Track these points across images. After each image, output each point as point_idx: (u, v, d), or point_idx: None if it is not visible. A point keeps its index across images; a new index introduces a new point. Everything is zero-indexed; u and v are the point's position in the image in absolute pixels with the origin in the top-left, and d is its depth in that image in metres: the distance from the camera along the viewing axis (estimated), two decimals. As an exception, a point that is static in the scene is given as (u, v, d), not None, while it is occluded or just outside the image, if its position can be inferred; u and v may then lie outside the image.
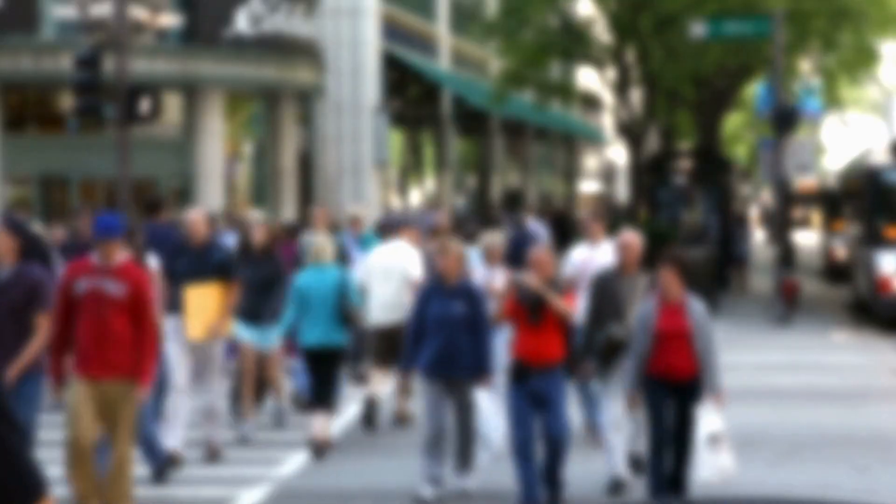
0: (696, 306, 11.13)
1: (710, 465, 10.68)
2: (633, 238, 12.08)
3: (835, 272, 35.19)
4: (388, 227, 15.87)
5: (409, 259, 14.95)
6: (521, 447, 11.22)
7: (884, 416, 15.78)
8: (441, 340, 11.75)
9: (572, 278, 13.35)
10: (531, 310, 11.35)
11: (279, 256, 14.60)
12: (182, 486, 12.08)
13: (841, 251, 34.31)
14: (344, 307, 13.42)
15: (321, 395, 13.40)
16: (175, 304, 12.97)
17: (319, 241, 13.82)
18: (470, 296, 11.89)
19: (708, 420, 10.77)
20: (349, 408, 15.89)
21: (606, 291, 11.87)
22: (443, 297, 11.86)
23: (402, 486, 12.12)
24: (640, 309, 11.25)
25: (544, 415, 11.27)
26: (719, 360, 11.13)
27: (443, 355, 11.75)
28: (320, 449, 13.21)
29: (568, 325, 11.54)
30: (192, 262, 13.13)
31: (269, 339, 14.33)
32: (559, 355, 11.45)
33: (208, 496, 11.91)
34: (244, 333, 14.34)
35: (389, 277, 14.82)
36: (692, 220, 31.88)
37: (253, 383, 14.42)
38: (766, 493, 11.17)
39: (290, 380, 16.17)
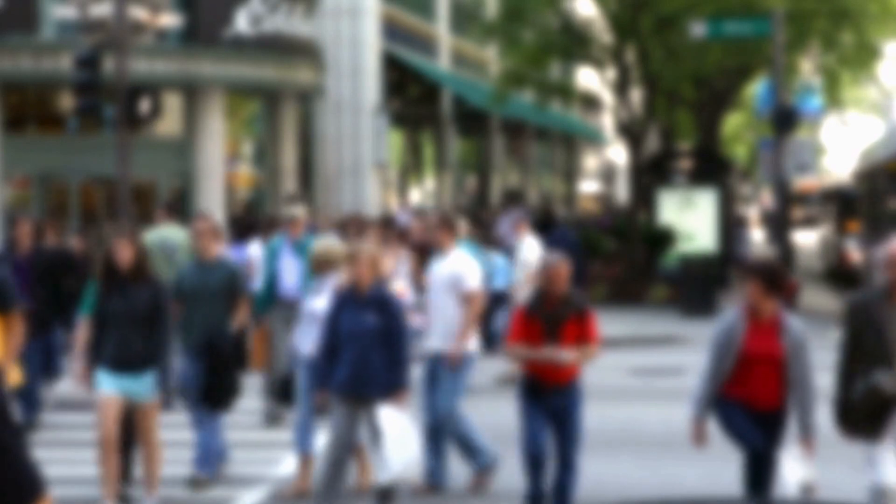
0: (794, 326, 9.71)
1: None
2: None
3: (845, 275, 33.98)
4: (346, 226, 16.08)
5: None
6: (532, 461, 10.63)
7: (884, 416, 15.76)
8: (352, 356, 10.74)
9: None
10: (546, 332, 10.51)
11: (156, 279, 11.25)
12: (182, 487, 12.08)
13: (856, 253, 32.82)
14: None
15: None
16: None
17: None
18: (383, 305, 10.82)
19: (795, 468, 9.46)
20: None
21: (868, 324, 9.27)
22: (354, 308, 10.82)
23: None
24: (724, 321, 9.94)
25: (559, 434, 10.68)
26: (815, 395, 9.68)
27: (354, 372, 10.75)
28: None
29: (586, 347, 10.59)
30: None
31: (144, 387, 10.88)
32: (575, 372, 10.74)
33: (208, 496, 11.91)
34: (108, 385, 10.84)
35: None
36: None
37: (115, 456, 10.84)
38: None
39: None
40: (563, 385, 10.67)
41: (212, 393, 12.01)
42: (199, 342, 12.07)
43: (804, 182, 53.07)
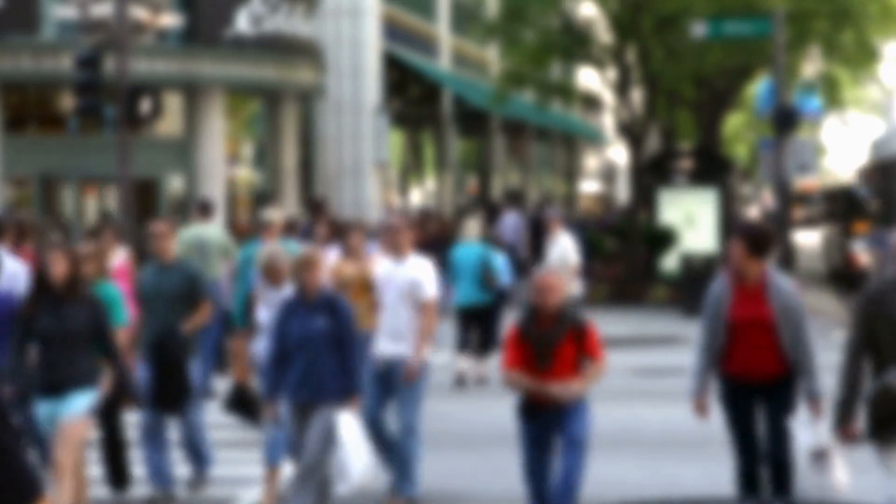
0: (782, 287, 9.24)
1: (820, 487, 8.93)
2: None
3: (851, 278, 32.50)
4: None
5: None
6: (536, 497, 9.92)
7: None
8: (303, 362, 10.38)
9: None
10: (538, 354, 9.75)
11: (92, 296, 10.45)
12: (182, 487, 12.08)
13: (864, 255, 31.42)
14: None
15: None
16: None
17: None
18: (333, 309, 10.45)
19: (805, 434, 9.05)
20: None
21: (883, 317, 8.27)
22: (303, 313, 10.46)
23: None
24: (712, 289, 9.44)
25: (560, 444, 9.87)
26: (816, 356, 9.33)
27: (305, 379, 10.39)
28: None
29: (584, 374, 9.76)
30: None
31: (72, 408, 10.07)
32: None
33: (208, 496, 11.91)
34: (41, 415, 10.21)
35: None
36: None
37: (69, 482, 10.00)
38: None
39: None
40: (563, 408, 9.86)
41: (160, 396, 11.63)
42: (150, 344, 11.75)
43: (804, 182, 53.01)
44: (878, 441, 8.29)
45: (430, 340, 11.74)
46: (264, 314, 11.54)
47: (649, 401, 16.93)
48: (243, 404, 11.96)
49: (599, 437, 13.90)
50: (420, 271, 11.68)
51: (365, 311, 12.56)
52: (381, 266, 12.00)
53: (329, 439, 10.26)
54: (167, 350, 11.72)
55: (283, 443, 11.06)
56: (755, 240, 9.23)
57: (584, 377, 9.73)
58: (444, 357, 21.17)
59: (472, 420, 15.67)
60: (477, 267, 18.11)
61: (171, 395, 11.62)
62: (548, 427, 9.82)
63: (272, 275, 11.43)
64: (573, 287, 19.27)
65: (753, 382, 9.38)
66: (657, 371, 19.63)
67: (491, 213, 32.05)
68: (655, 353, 21.72)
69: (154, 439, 11.72)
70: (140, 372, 11.76)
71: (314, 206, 24.71)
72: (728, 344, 9.35)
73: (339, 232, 14.47)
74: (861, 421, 8.43)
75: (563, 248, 20.10)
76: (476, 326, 18.66)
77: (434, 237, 25.47)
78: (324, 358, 10.38)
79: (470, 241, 18.42)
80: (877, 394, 8.23)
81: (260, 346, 11.56)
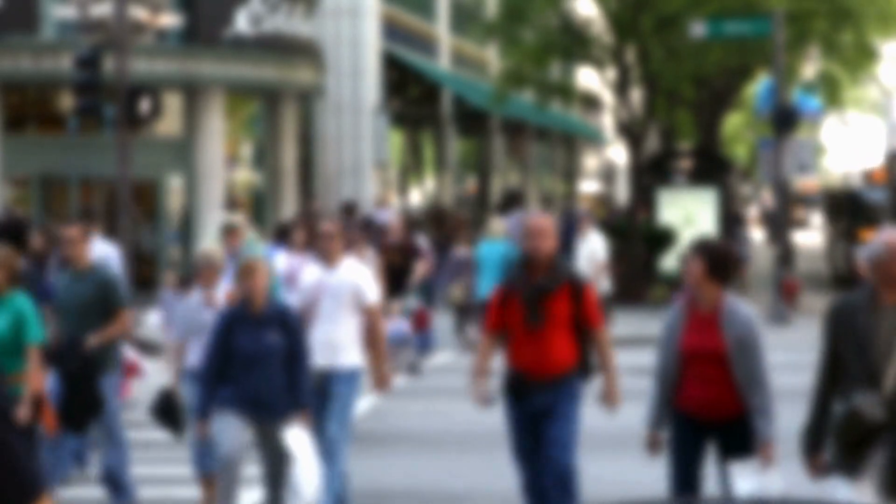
0: (738, 315, 8.24)
1: None
2: None
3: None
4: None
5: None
6: (530, 488, 9.26)
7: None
8: (252, 380, 9.78)
9: (303, 308, 10.85)
10: (529, 309, 8.94)
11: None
12: (181, 486, 12.08)
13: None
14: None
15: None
16: None
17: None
18: (284, 323, 9.88)
19: (745, 483, 8.12)
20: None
21: (850, 334, 7.40)
22: (251, 326, 9.83)
23: (401, 486, 12.11)
24: (668, 314, 8.65)
25: (546, 437, 9.06)
26: (771, 390, 8.34)
27: (254, 397, 9.81)
28: None
29: (586, 326, 9.09)
30: None
31: None
32: (570, 363, 9.15)
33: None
34: None
35: None
36: None
37: None
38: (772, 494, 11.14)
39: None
40: (552, 380, 9.09)
41: (63, 410, 10.66)
42: (50, 356, 10.71)
43: (805, 182, 52.96)
44: (844, 471, 7.40)
45: (383, 346, 11.12)
46: (202, 317, 10.93)
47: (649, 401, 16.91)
48: (168, 412, 11.18)
49: (600, 437, 13.90)
50: (358, 276, 10.99)
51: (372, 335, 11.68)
52: (310, 273, 11.13)
53: (282, 457, 9.81)
54: (66, 363, 10.86)
55: (211, 448, 10.54)
56: (715, 260, 8.24)
57: (607, 366, 9.25)
58: (444, 358, 21.17)
59: (472, 420, 15.67)
60: (502, 263, 18.82)
61: (70, 411, 10.79)
62: (538, 406, 9.05)
63: (206, 277, 10.87)
64: (602, 284, 20.55)
65: (705, 421, 8.31)
66: (657, 371, 19.63)
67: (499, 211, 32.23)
68: (655, 353, 21.71)
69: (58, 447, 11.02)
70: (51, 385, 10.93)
71: (347, 208, 24.88)
72: (680, 376, 8.35)
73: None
74: (826, 450, 7.52)
75: (593, 246, 21.23)
76: None
77: (450, 235, 25.68)
78: (277, 375, 9.82)
79: (495, 239, 19.60)
80: (843, 419, 7.31)
81: (193, 352, 10.97)
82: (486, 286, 18.94)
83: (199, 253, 11.45)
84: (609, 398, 9.18)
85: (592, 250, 20.86)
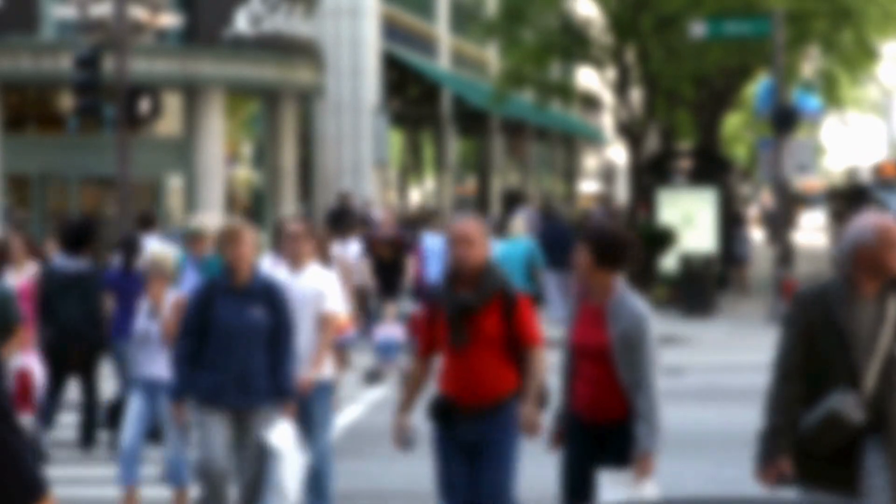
0: (624, 308, 7.48)
1: None
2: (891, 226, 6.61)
3: None
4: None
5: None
6: None
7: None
8: (232, 359, 8.98)
9: None
10: (452, 328, 7.80)
11: None
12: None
13: None
14: None
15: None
16: None
17: None
18: (271, 297, 9.08)
19: (612, 492, 7.38)
20: (353, 408, 15.88)
21: (826, 325, 6.57)
22: (233, 300, 9.03)
23: (402, 486, 12.11)
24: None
25: (478, 481, 7.86)
26: (657, 395, 7.68)
27: (235, 379, 9.02)
28: None
29: (529, 345, 7.85)
30: None
31: None
32: (504, 388, 7.88)
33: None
34: None
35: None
36: None
37: None
38: (769, 493, 11.16)
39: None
40: (483, 408, 7.86)
41: None
42: None
43: (807, 182, 52.82)
44: (810, 483, 6.65)
45: (327, 357, 10.29)
46: (142, 322, 10.54)
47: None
48: (116, 421, 10.66)
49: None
50: (322, 282, 10.26)
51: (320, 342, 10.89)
52: (278, 276, 10.30)
53: (264, 452, 9.07)
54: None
55: (140, 460, 10.19)
56: (603, 248, 7.43)
57: (528, 389, 7.79)
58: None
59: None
60: (524, 260, 19.53)
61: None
62: (468, 436, 7.90)
63: (158, 278, 10.35)
64: None
65: (595, 424, 7.56)
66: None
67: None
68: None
69: None
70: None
71: (342, 198, 24.89)
72: (573, 373, 7.63)
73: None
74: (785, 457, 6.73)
75: None
76: None
77: None
78: (258, 355, 9.01)
79: (517, 237, 20.06)
80: (821, 423, 6.51)
81: (141, 361, 10.58)
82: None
83: (148, 258, 10.63)
84: (526, 426, 7.80)
85: None
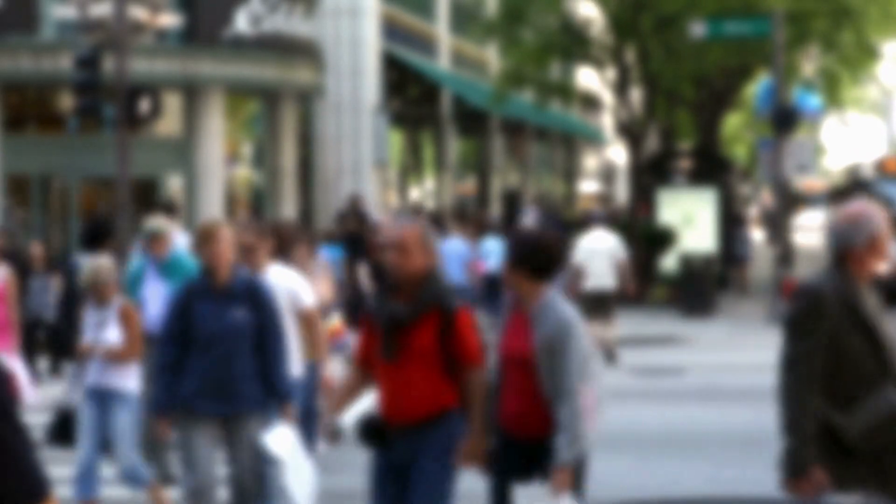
0: (550, 314, 7.04)
1: None
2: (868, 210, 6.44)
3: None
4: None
5: None
6: None
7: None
8: (213, 364, 8.51)
9: None
10: (384, 338, 7.25)
11: None
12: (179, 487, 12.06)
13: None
14: None
15: None
16: None
17: None
18: (255, 297, 8.59)
19: None
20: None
21: (858, 323, 6.30)
22: (214, 301, 8.55)
23: (402, 486, 12.11)
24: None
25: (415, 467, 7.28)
26: (579, 412, 7.05)
27: (217, 384, 8.56)
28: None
29: (468, 360, 7.25)
30: None
31: None
32: (437, 407, 7.25)
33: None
34: None
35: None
36: None
37: None
38: (769, 493, 11.17)
39: None
40: (413, 427, 7.26)
41: None
42: None
43: (809, 182, 52.76)
44: (851, 485, 6.31)
45: (326, 350, 10.26)
46: (89, 335, 10.24)
47: (649, 401, 16.93)
48: (67, 434, 10.56)
49: (599, 437, 13.89)
50: (289, 280, 10.13)
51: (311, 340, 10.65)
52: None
53: (251, 463, 8.62)
54: None
55: (98, 473, 9.86)
56: (525, 251, 7.11)
57: (472, 413, 7.23)
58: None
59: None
60: None
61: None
62: (399, 457, 7.35)
63: (97, 292, 9.98)
64: (615, 281, 20.75)
65: (522, 439, 7.17)
66: (656, 371, 19.63)
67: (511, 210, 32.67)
68: (655, 353, 21.72)
69: None
70: None
71: (353, 201, 25.08)
72: (500, 385, 7.24)
73: (282, 244, 11.40)
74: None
75: (611, 245, 21.69)
76: None
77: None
78: (246, 359, 8.54)
79: None
80: (885, 420, 6.21)
81: (90, 370, 10.22)
82: None
83: (87, 269, 10.13)
84: (467, 456, 7.26)
85: (612, 251, 20.99)
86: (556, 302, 7.10)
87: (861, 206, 6.54)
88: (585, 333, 7.16)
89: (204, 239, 8.59)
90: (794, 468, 6.29)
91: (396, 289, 7.27)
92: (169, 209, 17.40)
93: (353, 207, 29.02)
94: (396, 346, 7.18)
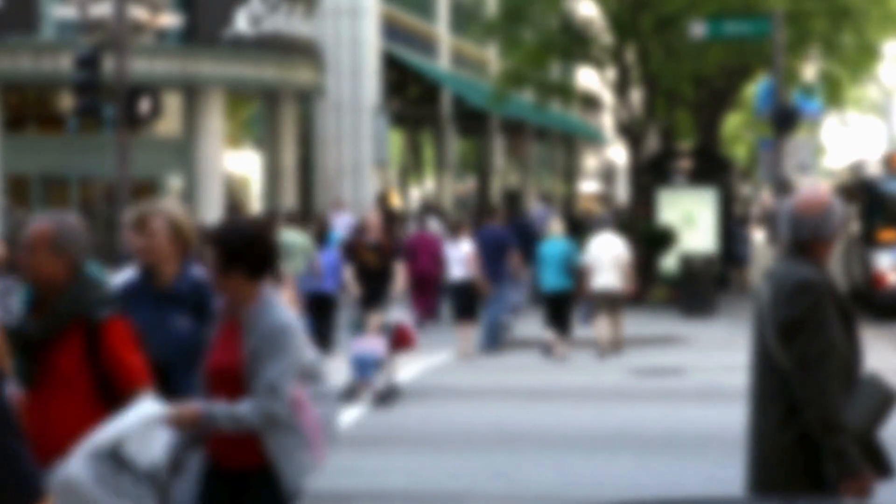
0: (262, 320, 5.93)
1: None
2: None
3: (881, 302, 26.51)
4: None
5: None
6: None
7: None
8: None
9: None
10: (18, 360, 6.00)
11: None
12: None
13: (894, 273, 26.01)
14: None
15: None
16: None
17: None
18: (199, 303, 6.89)
19: None
20: (353, 407, 15.88)
21: (839, 310, 6.24)
22: (153, 306, 6.86)
23: (402, 486, 12.11)
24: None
25: None
26: (278, 410, 5.86)
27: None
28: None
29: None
30: None
31: None
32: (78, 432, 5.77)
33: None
34: None
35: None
36: None
37: None
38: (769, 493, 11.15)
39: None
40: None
41: None
42: None
43: (808, 183, 52.72)
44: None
45: None
46: None
47: (649, 401, 16.92)
48: None
49: (599, 437, 13.90)
50: None
51: None
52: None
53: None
54: None
55: None
56: (231, 247, 5.96)
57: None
58: (444, 357, 21.18)
59: (472, 420, 15.67)
60: (562, 258, 20.89)
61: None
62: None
63: None
64: (619, 281, 21.37)
65: (230, 470, 6.03)
66: (656, 371, 19.62)
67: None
68: (655, 353, 21.71)
69: None
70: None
71: (380, 199, 25.47)
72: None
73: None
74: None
75: (615, 246, 22.10)
76: (560, 308, 21.16)
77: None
78: (186, 372, 6.61)
79: (555, 237, 21.32)
80: (880, 409, 6.14)
81: None
82: (548, 281, 21.01)
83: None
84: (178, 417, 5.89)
85: (620, 254, 21.62)
86: (274, 306, 5.99)
87: (823, 194, 6.40)
88: (306, 345, 6.06)
89: (139, 228, 7.03)
90: (848, 469, 6.08)
91: (38, 301, 6.11)
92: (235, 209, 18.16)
93: (380, 205, 29.06)
94: (34, 370, 5.94)
